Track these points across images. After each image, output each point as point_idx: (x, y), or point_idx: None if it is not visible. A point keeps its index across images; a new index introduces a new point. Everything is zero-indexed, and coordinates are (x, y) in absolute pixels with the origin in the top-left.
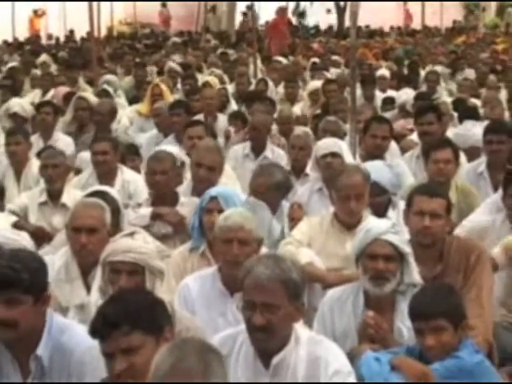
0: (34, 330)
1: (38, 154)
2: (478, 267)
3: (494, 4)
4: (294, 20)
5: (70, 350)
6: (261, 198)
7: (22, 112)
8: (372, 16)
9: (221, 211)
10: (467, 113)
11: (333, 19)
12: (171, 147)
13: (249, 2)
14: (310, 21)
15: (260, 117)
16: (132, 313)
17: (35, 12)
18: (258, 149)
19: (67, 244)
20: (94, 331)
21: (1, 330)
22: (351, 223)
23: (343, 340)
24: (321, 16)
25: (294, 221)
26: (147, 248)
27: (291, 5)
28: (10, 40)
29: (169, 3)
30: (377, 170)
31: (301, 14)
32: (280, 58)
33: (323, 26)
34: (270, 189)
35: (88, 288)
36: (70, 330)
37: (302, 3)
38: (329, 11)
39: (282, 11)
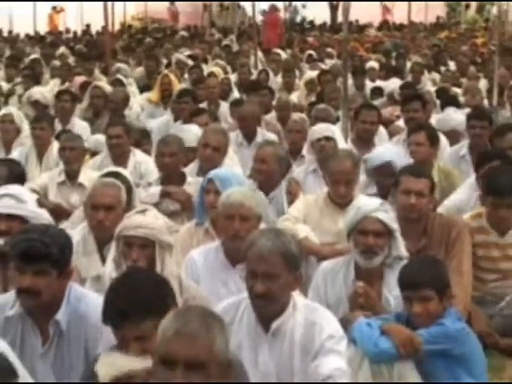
0: (54, 299)
1: (57, 137)
2: (459, 241)
3: (474, 2)
4: (286, 16)
5: (86, 316)
6: (265, 167)
7: (42, 99)
8: (361, 12)
9: (217, 192)
10: (449, 100)
11: (325, 15)
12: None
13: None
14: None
15: (247, 108)
16: (143, 302)
17: (54, 8)
18: (249, 136)
19: (84, 220)
20: (106, 320)
21: (25, 297)
22: (343, 202)
23: (336, 308)
24: (316, 12)
25: (291, 195)
26: (157, 224)
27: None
28: (32, 34)
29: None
30: (393, 153)
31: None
32: (278, 51)
33: (318, 21)
34: (274, 159)
35: (103, 260)
36: (86, 299)
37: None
38: (304, 6)
39: (273, 9)
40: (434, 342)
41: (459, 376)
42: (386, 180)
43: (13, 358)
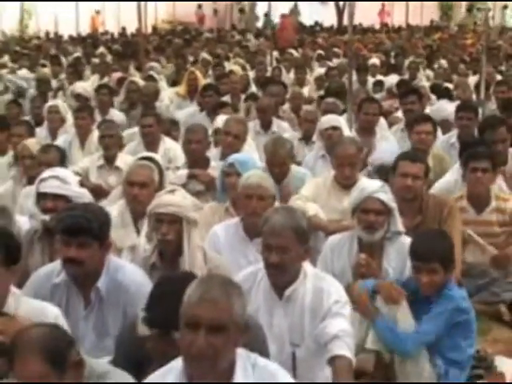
0: (95, 269)
1: (98, 126)
2: (450, 218)
3: (464, 5)
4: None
5: (124, 284)
6: (277, 163)
7: (84, 93)
8: (365, 15)
9: (238, 174)
10: (443, 93)
11: (332, 19)
12: None
13: (266, 9)
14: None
15: (264, 100)
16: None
17: (97, 12)
18: (266, 125)
19: (121, 198)
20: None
21: (70, 266)
22: (348, 184)
23: (341, 276)
24: (324, 16)
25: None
26: (185, 202)
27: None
28: (75, 35)
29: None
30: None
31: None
32: (291, 50)
33: (326, 24)
34: (286, 157)
35: (138, 232)
36: (123, 269)
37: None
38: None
39: (285, 16)
40: (444, 313)
41: (457, 342)
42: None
43: (63, 321)
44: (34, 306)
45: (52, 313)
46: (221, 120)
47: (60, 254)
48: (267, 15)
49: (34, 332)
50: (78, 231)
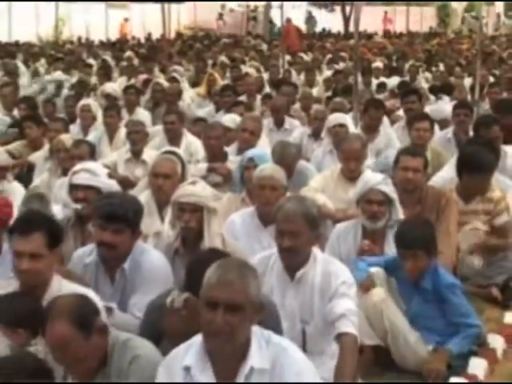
0: (125, 252)
1: (126, 124)
2: (447, 208)
3: (460, 14)
4: (306, 28)
5: (145, 267)
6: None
7: (113, 93)
8: (369, 22)
9: (256, 167)
10: (443, 90)
11: (339, 25)
12: None
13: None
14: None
15: (278, 100)
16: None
17: (125, 20)
18: (278, 123)
19: (146, 189)
20: None
21: (104, 249)
22: (353, 176)
23: (347, 261)
24: (331, 23)
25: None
26: (205, 193)
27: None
28: (104, 40)
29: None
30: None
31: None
32: (302, 54)
33: (333, 31)
34: (293, 159)
35: (162, 220)
36: (147, 252)
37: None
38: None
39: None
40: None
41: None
42: None
43: (97, 299)
44: (74, 289)
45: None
46: (227, 119)
47: (95, 237)
48: (271, 22)
49: (63, 299)
50: (115, 218)
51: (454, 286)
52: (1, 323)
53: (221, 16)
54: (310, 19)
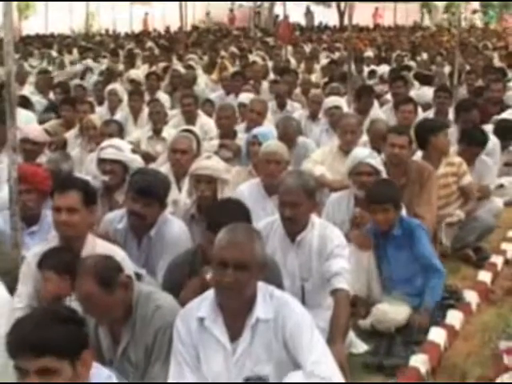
0: (152, 222)
1: (148, 105)
2: (429, 180)
3: (441, 8)
4: (304, 20)
5: (170, 234)
6: (287, 135)
7: (137, 78)
8: (361, 17)
9: (260, 144)
10: (426, 80)
11: (335, 19)
12: None
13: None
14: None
15: (280, 87)
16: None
17: (146, 14)
18: (281, 106)
19: (166, 163)
20: None
21: (134, 219)
22: (349, 150)
23: (341, 225)
24: (328, 17)
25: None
26: (219, 166)
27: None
28: (129, 32)
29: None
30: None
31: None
32: (303, 45)
33: (330, 24)
34: (294, 132)
35: (179, 189)
36: (170, 222)
37: (312, 8)
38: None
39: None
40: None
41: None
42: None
43: (128, 261)
44: (107, 247)
45: (120, 255)
46: (243, 97)
47: (128, 207)
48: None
49: (89, 260)
50: (146, 193)
51: (420, 226)
52: (50, 270)
53: (231, 11)
54: (308, 14)
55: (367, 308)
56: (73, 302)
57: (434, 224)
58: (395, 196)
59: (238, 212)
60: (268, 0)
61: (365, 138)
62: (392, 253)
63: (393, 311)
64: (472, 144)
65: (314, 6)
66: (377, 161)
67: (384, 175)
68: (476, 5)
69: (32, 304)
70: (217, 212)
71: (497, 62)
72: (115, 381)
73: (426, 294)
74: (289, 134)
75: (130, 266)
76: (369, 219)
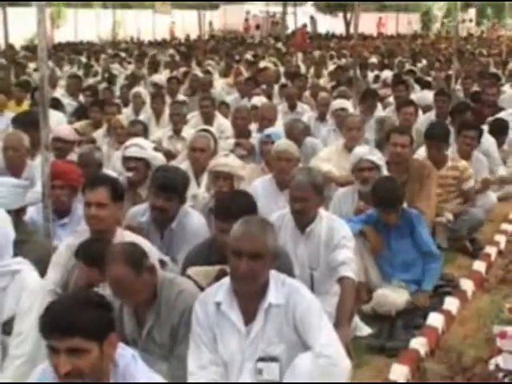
0: (173, 215)
1: (169, 107)
2: (429, 178)
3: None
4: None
5: (190, 226)
6: (292, 135)
7: (159, 82)
8: (366, 26)
9: (272, 142)
10: (425, 84)
11: (342, 28)
12: None
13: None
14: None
15: (290, 90)
16: None
17: (173, 23)
18: (292, 107)
19: (185, 160)
20: None
21: (157, 213)
22: (353, 148)
23: (346, 218)
24: (335, 26)
25: None
26: (235, 163)
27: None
28: (152, 40)
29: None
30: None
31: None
32: (312, 52)
33: (337, 32)
34: (300, 132)
35: (198, 185)
36: (190, 215)
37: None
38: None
39: (302, 27)
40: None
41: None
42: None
43: (155, 251)
44: (134, 238)
45: (146, 244)
46: (256, 100)
47: (150, 202)
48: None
49: (118, 246)
50: (168, 188)
51: (418, 216)
52: (81, 261)
53: (246, 20)
54: (311, 20)
55: (369, 294)
56: (102, 289)
57: (434, 218)
58: (402, 196)
59: (243, 203)
60: (282, 0)
61: (367, 135)
62: (394, 241)
63: (393, 295)
64: (432, 138)
65: (321, 16)
66: (377, 157)
67: (384, 170)
68: (472, 15)
69: (57, 290)
70: (225, 202)
71: (492, 68)
72: (139, 359)
73: (425, 277)
74: (294, 134)
75: (155, 255)
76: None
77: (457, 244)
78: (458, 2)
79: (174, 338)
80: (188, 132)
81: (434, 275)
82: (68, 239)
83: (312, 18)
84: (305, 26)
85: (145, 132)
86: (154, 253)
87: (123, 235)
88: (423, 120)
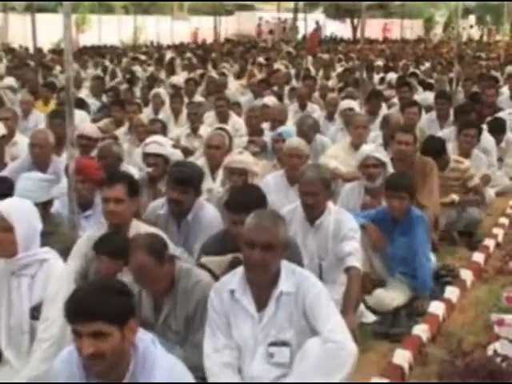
0: (189, 207)
1: (186, 107)
2: (431, 174)
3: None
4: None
5: (205, 218)
6: (302, 131)
7: (177, 83)
8: (372, 31)
9: (284, 140)
10: (428, 86)
11: (349, 33)
12: None
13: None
14: (337, 34)
15: (301, 90)
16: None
17: (197, 29)
18: (302, 107)
19: (202, 157)
20: None
21: (173, 205)
22: (359, 146)
23: (353, 212)
24: (342, 31)
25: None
26: (249, 160)
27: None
28: (170, 44)
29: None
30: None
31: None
32: (321, 55)
33: (345, 37)
34: (310, 127)
35: (213, 179)
36: (205, 208)
37: (327, 22)
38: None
39: (314, 31)
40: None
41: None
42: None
43: (169, 242)
44: (150, 231)
45: (162, 236)
46: (267, 99)
47: (167, 195)
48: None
49: (140, 237)
50: (183, 181)
51: (421, 217)
52: (103, 254)
53: (259, 26)
54: (317, 25)
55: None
56: (121, 276)
57: (436, 212)
58: (410, 187)
59: (254, 196)
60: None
61: (373, 134)
62: (397, 237)
63: (389, 297)
64: (428, 154)
65: (331, 21)
66: (382, 153)
67: (389, 167)
68: (472, 21)
69: (75, 278)
70: (236, 196)
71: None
72: (158, 343)
73: (419, 284)
74: (304, 128)
75: (170, 246)
76: (376, 206)
77: (447, 234)
78: (459, 8)
79: (189, 327)
80: (205, 130)
81: (428, 281)
82: (88, 232)
83: (317, 24)
84: (316, 30)
85: (164, 130)
86: (169, 244)
87: (138, 227)
88: (425, 119)
